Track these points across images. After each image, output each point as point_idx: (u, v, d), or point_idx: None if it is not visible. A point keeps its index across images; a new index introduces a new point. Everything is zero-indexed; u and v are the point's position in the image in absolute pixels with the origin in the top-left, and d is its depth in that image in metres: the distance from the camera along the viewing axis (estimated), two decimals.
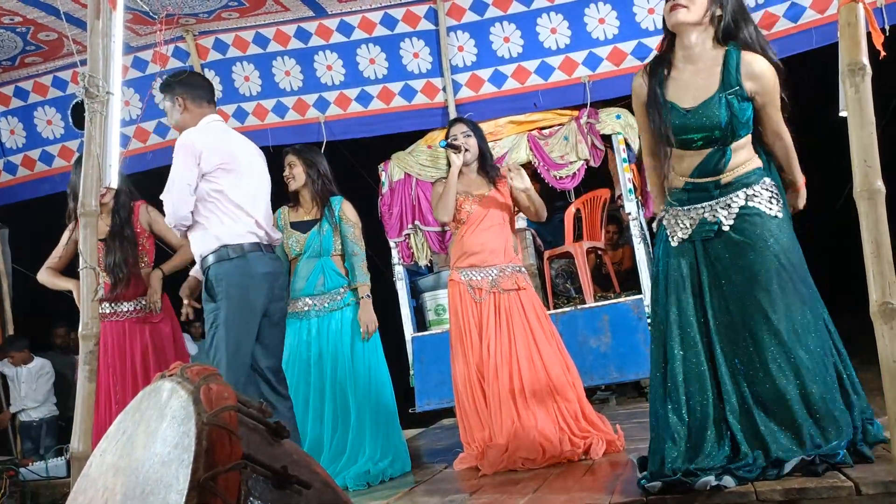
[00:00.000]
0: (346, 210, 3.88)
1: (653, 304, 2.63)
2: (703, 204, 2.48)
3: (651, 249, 4.76)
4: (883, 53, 2.55)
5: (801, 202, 2.65)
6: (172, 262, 4.05)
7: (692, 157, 2.48)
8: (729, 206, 2.46)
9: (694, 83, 2.45)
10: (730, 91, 2.40)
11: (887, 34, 4.22)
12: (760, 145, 2.55)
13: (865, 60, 2.28)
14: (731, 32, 2.45)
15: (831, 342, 2.49)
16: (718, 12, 2.42)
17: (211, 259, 3.04)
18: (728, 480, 2.31)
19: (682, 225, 2.52)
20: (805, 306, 2.44)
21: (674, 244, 2.54)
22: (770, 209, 2.45)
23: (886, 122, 4.71)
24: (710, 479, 2.29)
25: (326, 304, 3.83)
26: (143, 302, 4.00)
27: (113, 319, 3.93)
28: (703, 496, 2.31)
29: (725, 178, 2.47)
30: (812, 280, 2.51)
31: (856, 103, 2.25)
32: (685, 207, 2.52)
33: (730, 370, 2.44)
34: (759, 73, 2.40)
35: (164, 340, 4.02)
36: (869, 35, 2.39)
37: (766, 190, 2.48)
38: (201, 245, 3.09)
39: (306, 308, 3.85)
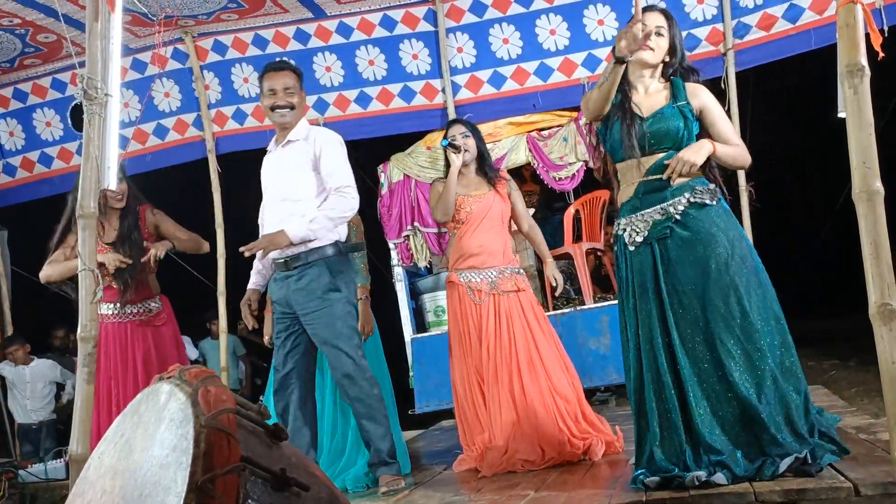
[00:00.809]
0: None
1: (620, 309, 2.74)
2: (655, 207, 2.65)
3: None
4: (881, 55, 2.55)
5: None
6: (182, 245, 4.06)
7: (647, 161, 2.66)
8: (676, 206, 2.63)
9: (647, 101, 2.73)
10: (680, 103, 2.68)
11: (886, 35, 4.22)
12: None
13: (864, 62, 2.28)
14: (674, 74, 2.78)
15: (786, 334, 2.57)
16: (669, 59, 2.75)
17: (331, 251, 3.26)
18: (720, 477, 2.36)
19: (637, 229, 2.67)
20: (761, 292, 2.55)
21: (632, 249, 2.67)
22: (713, 201, 2.63)
23: (885, 124, 4.71)
24: (701, 474, 2.37)
25: None
26: (148, 305, 4.00)
27: (115, 321, 3.92)
28: (702, 496, 2.32)
29: (675, 179, 2.61)
30: (767, 275, 2.61)
31: (854, 105, 2.26)
32: (638, 213, 2.68)
33: (691, 373, 2.52)
34: (695, 91, 2.72)
35: (166, 343, 4.01)
36: (867, 36, 2.40)
37: (708, 189, 2.66)
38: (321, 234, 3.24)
39: None
